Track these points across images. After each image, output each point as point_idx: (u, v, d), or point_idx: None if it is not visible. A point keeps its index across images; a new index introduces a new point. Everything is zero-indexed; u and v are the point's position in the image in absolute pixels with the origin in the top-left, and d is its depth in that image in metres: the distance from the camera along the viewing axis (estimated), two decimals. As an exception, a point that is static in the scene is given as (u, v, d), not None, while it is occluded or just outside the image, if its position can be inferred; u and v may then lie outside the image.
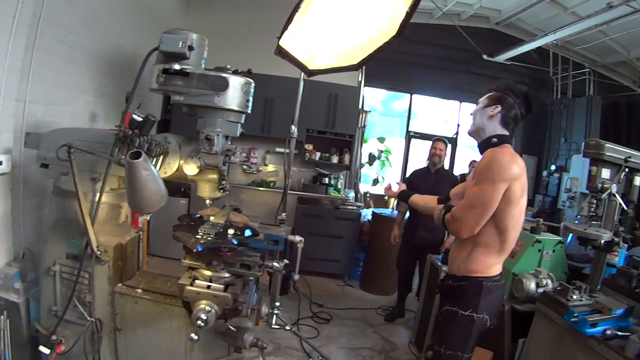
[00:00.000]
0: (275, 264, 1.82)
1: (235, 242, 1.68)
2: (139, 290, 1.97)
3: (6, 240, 2.38)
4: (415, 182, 3.83)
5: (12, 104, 2.35)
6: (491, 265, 1.96)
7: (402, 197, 2.53)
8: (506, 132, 1.97)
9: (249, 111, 1.84)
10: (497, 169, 1.81)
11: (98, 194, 1.89)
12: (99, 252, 1.88)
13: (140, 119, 1.81)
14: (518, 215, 1.90)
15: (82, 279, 1.94)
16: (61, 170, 1.99)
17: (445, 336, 2.00)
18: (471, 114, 2.08)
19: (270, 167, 5.54)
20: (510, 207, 1.85)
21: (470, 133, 2.08)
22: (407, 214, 4.08)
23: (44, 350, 2.00)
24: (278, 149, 5.41)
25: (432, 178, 3.92)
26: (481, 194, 1.83)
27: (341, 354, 3.32)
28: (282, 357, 3.08)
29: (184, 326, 1.91)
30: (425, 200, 2.40)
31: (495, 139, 1.94)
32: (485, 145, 1.98)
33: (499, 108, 1.96)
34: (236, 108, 1.78)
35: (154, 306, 1.93)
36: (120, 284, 1.99)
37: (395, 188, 2.58)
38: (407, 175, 4.30)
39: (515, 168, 1.81)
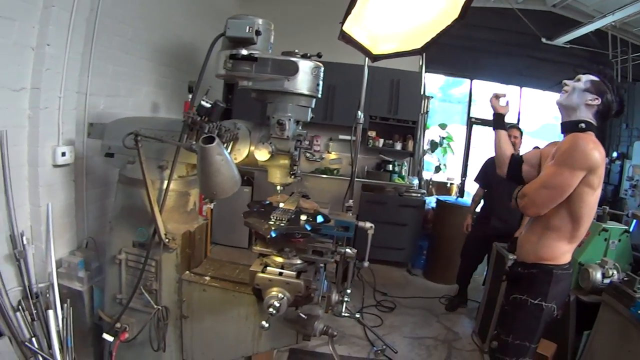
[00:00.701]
0: (348, 250, 1.78)
1: (308, 227, 1.65)
2: (207, 278, 1.95)
3: (70, 230, 2.42)
4: (490, 170, 3.74)
5: (73, 97, 2.39)
6: (562, 253, 1.93)
7: (499, 121, 2.35)
8: (594, 123, 1.92)
9: (320, 95, 1.81)
10: (578, 155, 1.77)
11: (166, 182, 1.89)
12: (167, 240, 1.87)
13: (208, 105, 1.79)
14: (593, 204, 1.86)
15: (149, 266, 1.95)
16: (127, 159, 2.00)
17: (513, 326, 1.98)
18: (566, 83, 2.00)
19: (333, 155, 5.53)
20: (588, 195, 1.81)
21: (560, 103, 2.00)
22: (481, 204, 4.03)
23: (108, 337, 2.01)
24: (341, 137, 5.43)
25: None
26: (556, 177, 1.80)
27: (404, 343, 3.30)
28: (346, 345, 3.09)
29: (253, 314, 1.89)
30: (507, 144, 2.28)
31: (583, 125, 1.91)
32: (570, 126, 1.93)
33: (599, 101, 1.91)
34: (306, 92, 1.75)
35: (222, 293, 1.91)
36: (187, 272, 1.98)
37: (503, 103, 2.40)
38: (482, 164, 4.20)
39: (597, 156, 1.76)
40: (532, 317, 1.93)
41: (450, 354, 3.18)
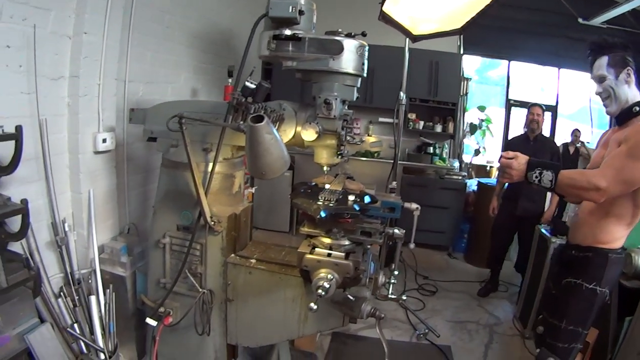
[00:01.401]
0: (396, 230, 1.76)
1: (357, 208, 1.64)
2: (253, 261, 1.95)
3: (112, 216, 2.44)
4: (514, 149, 3.66)
5: (112, 84, 2.40)
6: (619, 237, 1.87)
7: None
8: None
9: (365, 74, 1.79)
10: None
11: (211, 164, 1.88)
12: (213, 223, 1.87)
13: (253, 86, 1.79)
14: None
15: (194, 250, 1.94)
16: (170, 142, 2.00)
17: (567, 310, 1.92)
18: (604, 91, 1.88)
19: (373, 138, 5.48)
20: None
21: (610, 112, 1.90)
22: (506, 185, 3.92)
23: (151, 322, 2.02)
24: (381, 119, 5.42)
25: (532, 146, 3.71)
26: (633, 171, 1.64)
27: (447, 327, 3.29)
28: (388, 329, 3.08)
29: (300, 296, 1.88)
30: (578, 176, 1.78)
31: (637, 107, 1.81)
32: (627, 115, 1.84)
33: (630, 69, 1.80)
34: (352, 71, 1.73)
35: (269, 276, 1.90)
36: (233, 255, 1.98)
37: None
38: (505, 143, 4.15)
39: None
40: (586, 302, 1.88)
41: (492, 338, 3.15)
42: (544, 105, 4.00)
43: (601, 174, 1.66)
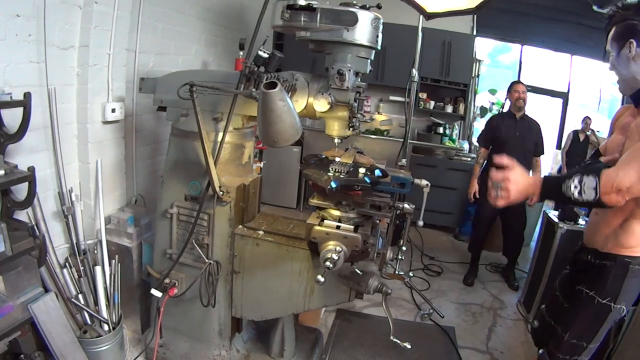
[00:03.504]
0: (406, 205, 1.75)
1: (368, 180, 1.62)
2: (261, 232, 1.94)
3: (119, 187, 2.43)
4: (501, 129, 3.59)
5: (123, 54, 2.38)
6: None
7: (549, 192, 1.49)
8: None
9: (379, 47, 1.77)
10: None
11: (221, 134, 1.87)
12: (221, 193, 1.86)
13: (266, 55, 1.77)
14: None
15: (201, 220, 1.94)
16: (180, 112, 1.99)
17: (573, 322, 1.73)
18: (610, 69, 1.67)
19: (383, 116, 5.47)
20: None
21: (622, 91, 1.69)
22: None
23: (156, 293, 2.02)
24: (392, 98, 5.37)
25: (519, 125, 3.60)
26: None
27: (451, 308, 3.29)
28: (392, 307, 3.07)
29: (307, 269, 1.88)
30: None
31: None
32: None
33: (635, 43, 1.51)
34: (366, 43, 1.70)
35: (276, 248, 1.90)
36: (240, 226, 1.97)
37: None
38: (486, 123, 3.95)
39: None
40: (596, 318, 1.67)
41: (495, 321, 3.14)
42: (558, 92, 3.88)
43: (623, 172, 1.34)
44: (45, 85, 2.06)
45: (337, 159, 1.78)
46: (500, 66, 6.81)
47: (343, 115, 1.78)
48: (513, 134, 3.52)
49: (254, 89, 1.70)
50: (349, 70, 1.70)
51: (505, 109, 3.89)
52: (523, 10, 5.90)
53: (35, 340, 1.96)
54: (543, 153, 3.71)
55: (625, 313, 1.68)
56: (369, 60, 1.77)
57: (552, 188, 1.44)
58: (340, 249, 1.64)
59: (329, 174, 1.63)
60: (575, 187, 1.36)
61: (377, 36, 1.75)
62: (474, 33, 5.41)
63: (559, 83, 6.39)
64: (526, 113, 3.71)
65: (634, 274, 1.59)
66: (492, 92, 5.68)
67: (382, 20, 1.76)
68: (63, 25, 2.13)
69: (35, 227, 1.87)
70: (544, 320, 1.98)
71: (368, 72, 1.79)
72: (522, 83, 3.71)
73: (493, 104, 5.61)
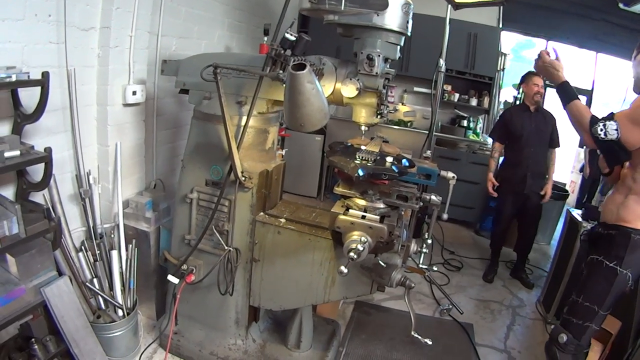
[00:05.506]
0: (433, 197, 1.70)
1: (395, 169, 1.57)
2: (282, 220, 1.89)
3: (138, 170, 2.41)
4: (516, 123, 3.50)
5: (145, 36, 2.35)
6: None
7: (567, 90, 1.98)
8: None
9: (409, 33, 1.70)
10: None
11: (244, 118, 1.83)
12: (243, 179, 1.82)
13: (293, 38, 1.72)
14: None
15: (222, 206, 1.90)
16: (203, 94, 1.95)
17: (585, 286, 1.89)
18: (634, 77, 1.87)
19: (407, 107, 5.42)
20: None
21: (635, 90, 1.88)
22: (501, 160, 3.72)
23: (173, 279, 1.99)
24: (416, 89, 5.30)
25: (534, 118, 3.49)
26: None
27: (470, 304, 3.23)
28: (412, 302, 3.00)
29: (328, 260, 1.83)
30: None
31: None
32: None
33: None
34: (396, 29, 1.64)
35: (298, 237, 1.85)
36: (262, 213, 1.93)
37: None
38: (502, 114, 3.86)
39: None
40: (605, 281, 1.83)
41: (514, 320, 3.08)
42: (582, 90, 3.76)
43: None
44: (65, 66, 2.04)
45: (363, 147, 1.73)
46: (524, 61, 6.69)
47: (371, 102, 1.72)
48: (529, 126, 3.43)
49: (280, 71, 1.65)
50: (379, 55, 1.64)
51: (517, 102, 3.75)
52: (549, 5, 5.79)
53: (47, 324, 1.94)
54: (559, 146, 3.61)
55: (631, 283, 1.81)
56: (398, 47, 1.71)
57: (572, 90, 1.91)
58: (365, 240, 1.59)
59: (356, 161, 1.59)
60: (601, 129, 1.71)
61: (408, 22, 1.69)
62: (500, 26, 5.30)
63: (583, 80, 6.25)
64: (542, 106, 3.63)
65: (636, 244, 1.78)
66: (517, 86, 5.59)
67: (412, 6, 1.69)
68: (84, 6, 2.10)
69: (50, 209, 1.84)
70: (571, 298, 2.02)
71: (397, 58, 1.73)
72: (539, 75, 3.45)
73: (516, 98, 5.53)
